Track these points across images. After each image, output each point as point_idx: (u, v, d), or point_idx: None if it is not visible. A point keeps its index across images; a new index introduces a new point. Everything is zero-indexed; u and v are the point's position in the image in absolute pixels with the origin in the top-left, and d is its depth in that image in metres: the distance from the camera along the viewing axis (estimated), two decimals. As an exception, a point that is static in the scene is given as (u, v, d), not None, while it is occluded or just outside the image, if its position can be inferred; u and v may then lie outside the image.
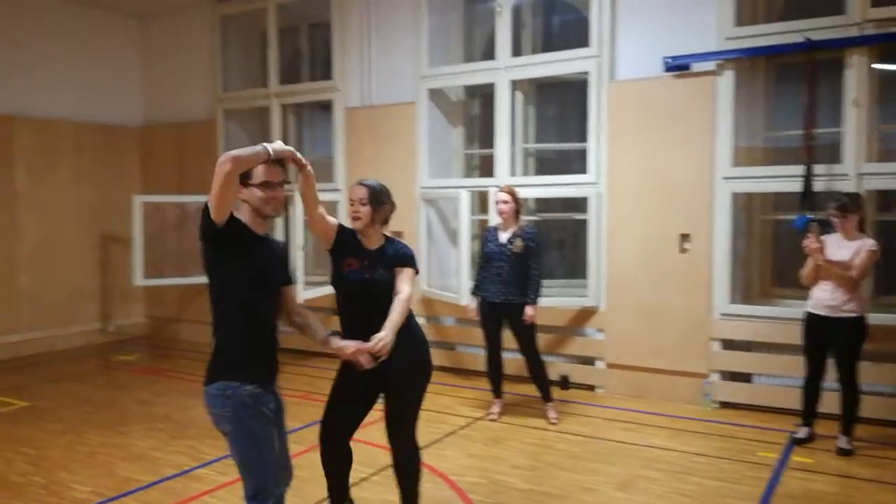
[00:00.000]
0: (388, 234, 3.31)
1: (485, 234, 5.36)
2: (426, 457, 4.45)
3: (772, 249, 5.86)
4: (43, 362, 7.46)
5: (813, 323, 4.57)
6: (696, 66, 5.57)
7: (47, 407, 5.74)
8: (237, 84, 8.25)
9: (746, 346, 5.48)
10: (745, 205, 5.70)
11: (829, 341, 4.52)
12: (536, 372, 5.18)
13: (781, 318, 5.24)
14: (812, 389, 4.65)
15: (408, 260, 3.21)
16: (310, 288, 6.99)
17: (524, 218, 5.39)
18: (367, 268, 3.11)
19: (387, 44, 7.11)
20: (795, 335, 4.73)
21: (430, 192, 6.77)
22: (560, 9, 6.87)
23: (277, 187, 2.69)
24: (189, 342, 8.36)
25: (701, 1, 5.56)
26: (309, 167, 2.90)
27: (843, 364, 4.46)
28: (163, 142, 8.73)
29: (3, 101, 7.59)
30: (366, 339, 2.91)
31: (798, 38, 5.07)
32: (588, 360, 6.08)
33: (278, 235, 6.84)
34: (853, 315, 4.41)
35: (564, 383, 6.04)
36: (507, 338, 5.27)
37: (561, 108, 7.04)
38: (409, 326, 3.14)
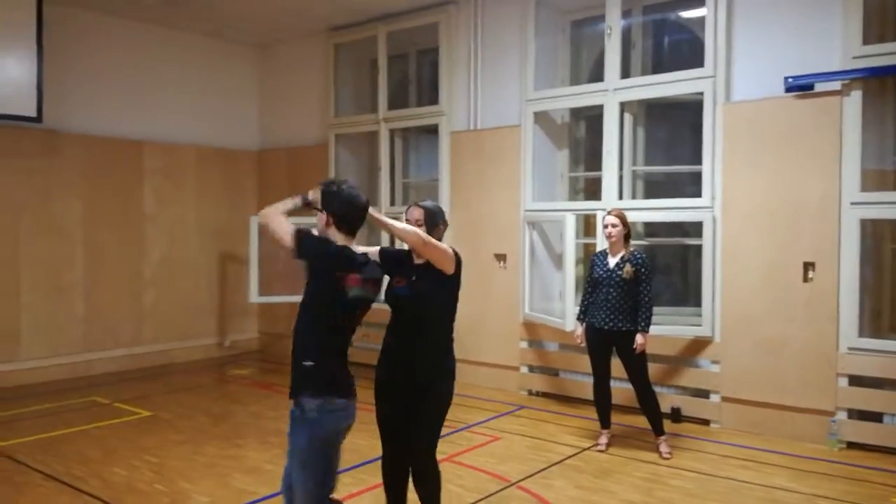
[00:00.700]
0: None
1: (592, 259, 5.26)
2: (531, 485, 4.41)
3: (905, 280, 5.45)
4: (164, 374, 7.91)
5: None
6: (820, 86, 5.29)
7: (168, 417, 6.06)
8: (347, 109, 8.54)
9: (877, 382, 5.10)
10: (874, 232, 5.33)
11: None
12: (647, 403, 5.01)
13: (918, 355, 4.84)
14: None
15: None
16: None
17: (633, 242, 5.26)
18: (413, 283, 3.27)
19: (493, 68, 7.17)
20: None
21: (534, 214, 6.73)
22: (672, 29, 6.72)
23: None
24: (297, 358, 8.61)
25: (824, 19, 5.30)
26: None
27: None
28: (277, 165, 9.14)
29: (134, 127, 8.18)
30: (410, 352, 3.24)
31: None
32: (702, 393, 5.82)
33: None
34: None
35: (676, 416, 5.80)
36: (615, 366, 5.14)
37: (672, 130, 6.86)
38: (450, 355, 3.37)
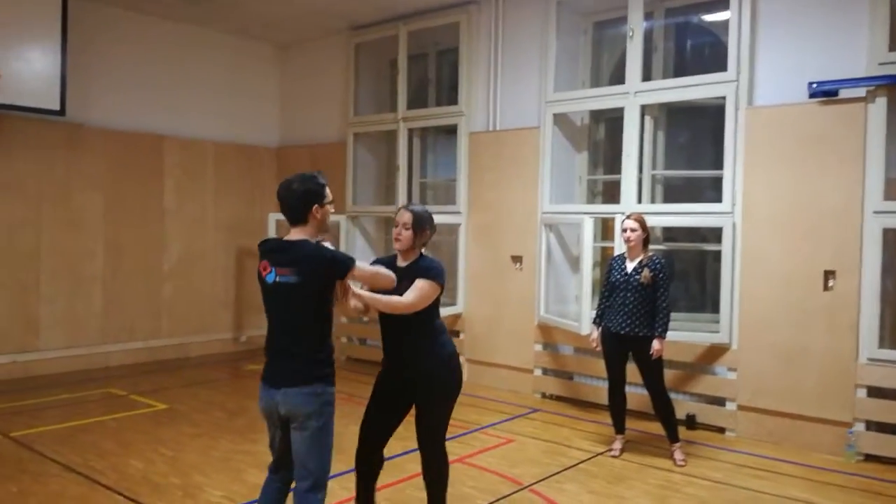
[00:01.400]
0: (423, 252, 3.50)
1: (610, 263, 5.23)
2: (544, 488, 4.40)
3: (929, 290, 5.36)
4: (180, 367, 7.97)
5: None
6: (844, 93, 5.23)
7: (183, 410, 6.11)
8: (366, 108, 8.56)
9: (897, 394, 5.04)
10: (898, 241, 5.27)
11: None
12: (663, 409, 4.97)
13: (941, 367, 4.77)
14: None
15: (427, 272, 3.32)
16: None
17: (652, 247, 5.23)
18: (399, 286, 3.25)
19: (513, 69, 7.15)
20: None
21: (552, 217, 6.71)
22: (694, 32, 6.67)
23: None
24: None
25: (850, 25, 5.23)
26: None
27: None
28: (296, 162, 9.15)
29: (156, 122, 8.25)
30: (399, 354, 3.37)
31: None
32: (717, 401, 5.77)
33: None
34: None
35: (691, 423, 5.76)
36: (630, 371, 5.11)
37: (692, 134, 6.80)
38: (438, 341, 3.39)
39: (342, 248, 8.27)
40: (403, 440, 5.21)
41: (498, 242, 7.13)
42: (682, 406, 5.75)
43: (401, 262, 3.43)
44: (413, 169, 8.18)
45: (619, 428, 5.17)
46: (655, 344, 4.84)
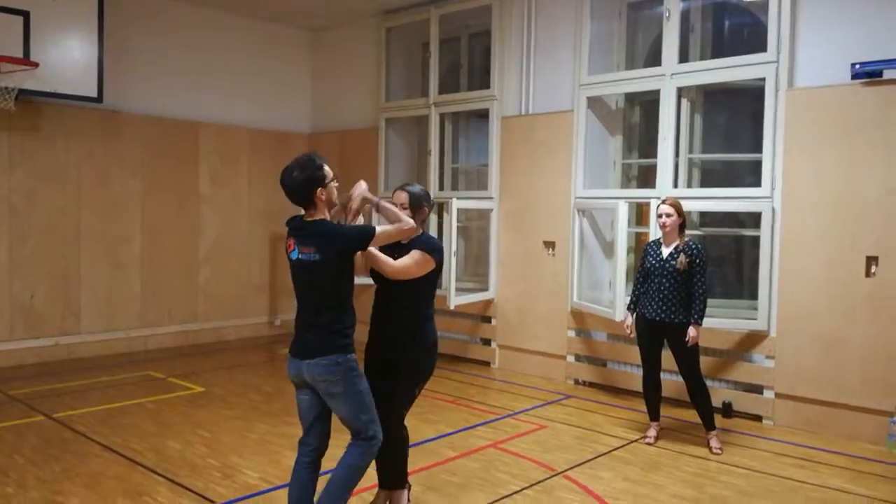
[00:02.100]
0: (422, 230, 3.58)
1: (645, 248, 5.16)
2: (578, 475, 4.38)
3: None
4: (216, 350, 8.10)
5: None
6: (889, 73, 5.06)
7: (220, 393, 6.21)
8: (398, 93, 8.54)
9: (942, 384, 4.90)
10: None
11: None
12: (698, 397, 4.91)
13: None
14: None
15: (424, 245, 3.45)
16: (460, 294, 7.10)
17: (688, 232, 5.14)
18: (395, 258, 3.40)
19: (546, 52, 7.07)
20: None
21: (585, 202, 6.64)
22: (732, 12, 6.51)
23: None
24: (344, 340, 8.74)
25: (893, 4, 5.05)
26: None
27: None
28: (329, 148, 9.17)
29: (191, 108, 8.34)
30: (384, 332, 3.50)
31: None
32: (755, 389, 5.68)
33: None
34: None
35: (727, 411, 5.68)
36: (666, 358, 5.05)
37: (730, 117, 6.66)
38: (424, 327, 3.50)
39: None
40: (435, 424, 5.26)
41: (530, 228, 7.09)
42: (719, 394, 5.68)
43: (403, 240, 3.50)
44: (445, 154, 8.15)
45: (654, 415, 5.12)
46: (691, 331, 4.77)
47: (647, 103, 6.73)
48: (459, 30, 8.18)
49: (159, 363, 7.37)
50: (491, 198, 7.39)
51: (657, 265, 4.93)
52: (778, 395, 5.53)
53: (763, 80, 5.61)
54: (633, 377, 6.11)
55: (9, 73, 6.44)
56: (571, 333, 6.78)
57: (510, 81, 7.34)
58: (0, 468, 4.35)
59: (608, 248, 6.67)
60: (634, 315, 5.11)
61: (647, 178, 6.84)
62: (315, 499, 3.25)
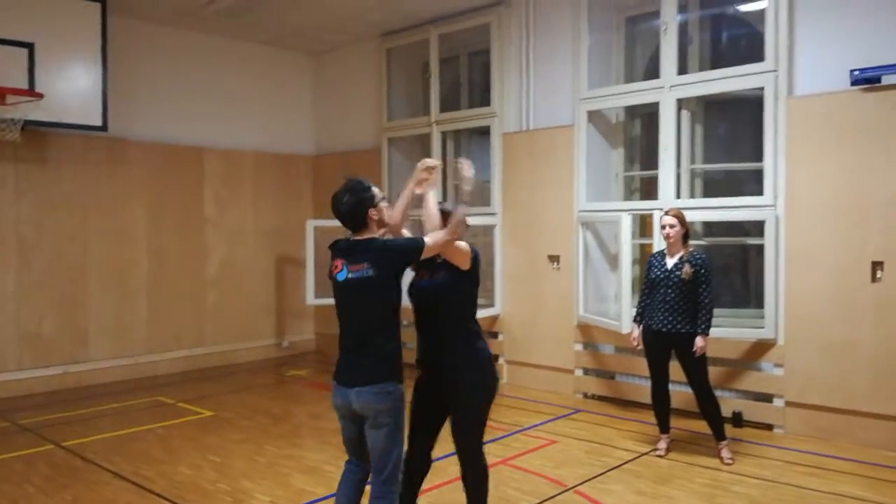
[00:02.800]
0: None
1: (649, 260, 5.16)
2: (589, 490, 4.36)
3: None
4: (224, 374, 8.11)
5: None
6: (887, 79, 5.07)
7: (229, 417, 6.21)
8: (400, 113, 8.60)
9: (954, 388, 4.87)
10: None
11: None
12: (708, 407, 4.89)
13: None
14: None
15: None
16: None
17: (692, 242, 5.15)
18: (432, 275, 3.34)
19: (545, 67, 7.12)
20: None
21: (589, 215, 6.65)
22: (730, 23, 6.55)
23: None
24: (352, 360, 8.74)
25: (891, 9, 5.08)
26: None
27: None
28: (332, 169, 9.26)
29: (195, 134, 8.42)
30: (434, 357, 3.31)
31: None
32: (764, 397, 5.65)
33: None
34: None
35: (737, 421, 5.65)
36: (674, 369, 5.03)
37: (731, 126, 6.68)
38: (473, 346, 3.35)
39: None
40: (444, 442, 5.24)
41: (534, 242, 7.10)
42: (728, 403, 5.64)
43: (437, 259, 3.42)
44: (447, 171, 8.18)
45: (664, 427, 5.09)
46: (699, 341, 4.76)
47: (648, 115, 6.77)
48: (459, 49, 8.26)
49: (168, 388, 7.38)
50: (494, 213, 7.42)
51: (662, 276, 4.93)
52: (788, 404, 5.50)
53: (762, 89, 5.63)
54: (642, 389, 6.08)
55: (14, 105, 6.52)
56: (579, 347, 6.77)
57: (510, 98, 7.39)
58: (11, 498, 4.35)
59: (613, 261, 6.67)
60: (641, 327, 5.10)
61: (649, 189, 6.85)
62: None
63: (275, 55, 9.20)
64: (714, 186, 6.54)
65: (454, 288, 3.33)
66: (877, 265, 5.09)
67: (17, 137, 6.61)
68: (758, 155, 5.79)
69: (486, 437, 3.47)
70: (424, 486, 4.10)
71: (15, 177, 7.10)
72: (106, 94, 7.24)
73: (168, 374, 8.03)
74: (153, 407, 6.64)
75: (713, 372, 5.25)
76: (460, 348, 3.32)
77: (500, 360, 7.40)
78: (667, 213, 5.01)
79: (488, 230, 7.56)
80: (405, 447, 3.18)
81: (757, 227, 5.89)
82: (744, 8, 6.40)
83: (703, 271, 4.82)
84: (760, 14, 5.78)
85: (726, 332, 5.65)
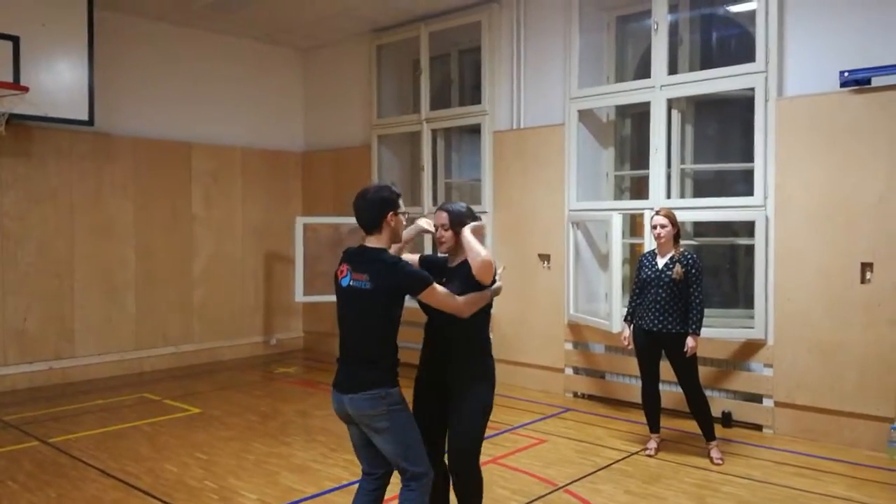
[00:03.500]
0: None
1: (640, 260, 5.16)
2: (579, 489, 4.35)
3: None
4: (212, 371, 8.04)
5: None
6: (877, 81, 5.10)
7: (216, 414, 6.16)
8: (390, 110, 8.57)
9: (941, 389, 4.90)
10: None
11: None
12: (698, 407, 4.90)
13: None
14: None
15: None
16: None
17: (683, 242, 5.15)
18: (444, 285, 3.13)
19: (536, 66, 7.11)
20: None
21: (579, 214, 6.65)
22: (720, 23, 6.57)
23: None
24: (340, 357, 8.70)
25: (881, 10, 5.11)
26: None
27: None
28: (321, 166, 9.22)
29: (183, 130, 8.35)
30: (446, 354, 3.22)
31: None
32: (754, 398, 5.67)
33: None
34: None
35: (727, 421, 5.67)
36: (664, 369, 5.04)
37: (721, 127, 6.70)
38: (485, 363, 3.29)
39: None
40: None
41: (525, 241, 7.09)
42: (718, 403, 5.66)
43: (451, 263, 3.35)
44: (438, 169, 8.16)
45: (654, 427, 5.10)
46: (689, 341, 4.76)
47: (638, 115, 6.77)
48: (449, 46, 8.23)
49: (155, 385, 7.31)
50: (485, 212, 7.40)
51: (653, 276, 4.93)
52: (777, 404, 5.52)
53: (752, 89, 5.65)
54: (632, 389, 6.09)
55: (-1, 98, 6.45)
56: (569, 346, 6.77)
57: (501, 96, 7.37)
58: (-6, 496, 4.30)
59: (603, 260, 6.68)
60: (632, 326, 5.10)
61: (639, 189, 6.86)
62: None
63: (265, 51, 9.14)
64: (704, 186, 6.55)
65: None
66: (866, 266, 5.12)
67: (2, 131, 6.54)
68: (748, 155, 5.80)
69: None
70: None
71: (0, 170, 7.01)
72: (92, 88, 7.17)
73: (155, 371, 7.96)
74: (140, 404, 6.58)
75: (703, 372, 5.26)
76: (470, 357, 3.24)
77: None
78: (657, 213, 5.01)
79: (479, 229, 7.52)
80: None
81: (747, 228, 5.91)
82: (734, 8, 6.41)
83: (693, 271, 4.82)
84: (751, 15, 5.79)
85: (716, 332, 5.66)
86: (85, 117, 7.15)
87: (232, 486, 4.46)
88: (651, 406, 5.07)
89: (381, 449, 3.03)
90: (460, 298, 3.08)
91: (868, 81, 5.13)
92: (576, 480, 4.53)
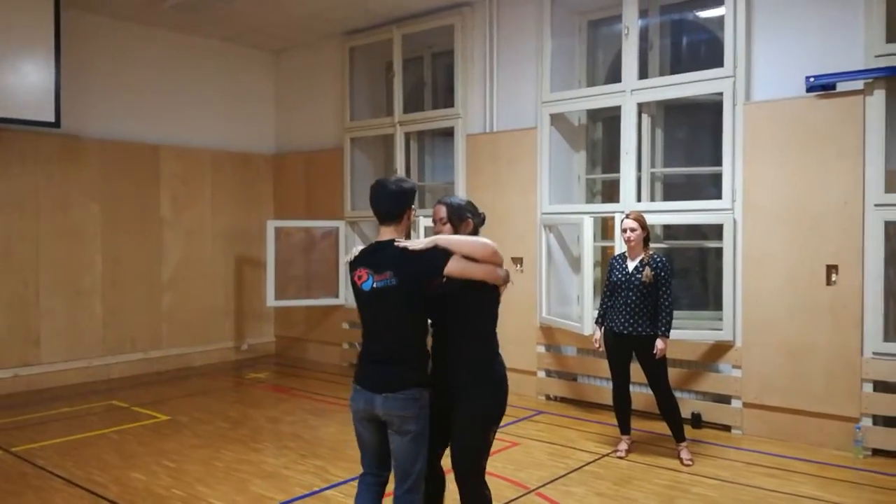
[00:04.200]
0: None
1: (611, 263, 5.20)
2: (551, 492, 4.36)
3: (932, 282, 5.34)
4: (181, 377, 7.93)
5: None
6: (842, 86, 5.20)
7: (185, 421, 6.07)
8: (363, 113, 8.53)
9: (903, 388, 5.00)
10: (900, 234, 5.24)
11: None
12: (668, 409, 4.94)
13: (947, 360, 4.74)
14: None
15: None
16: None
17: (653, 245, 5.19)
18: (444, 284, 3.02)
19: (509, 70, 7.13)
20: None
21: (551, 217, 6.68)
22: (690, 29, 6.65)
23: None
24: (315, 362, 8.66)
25: (846, 17, 5.21)
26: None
27: None
28: (293, 169, 9.15)
29: (151, 132, 8.23)
30: (445, 352, 3.06)
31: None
32: (723, 399, 5.73)
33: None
34: None
35: (697, 422, 5.73)
36: (635, 371, 5.07)
37: (690, 131, 6.78)
38: (489, 362, 3.12)
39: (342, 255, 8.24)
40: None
41: (498, 244, 7.02)
42: (688, 405, 5.72)
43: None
44: (411, 172, 8.15)
45: (625, 428, 5.13)
46: (659, 343, 4.81)
47: (609, 119, 6.82)
48: (422, 49, 8.22)
49: (123, 392, 7.19)
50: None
51: (623, 279, 4.97)
52: (745, 405, 5.59)
53: (721, 94, 5.72)
54: (604, 391, 6.13)
55: (-39, 99, 6.30)
56: (541, 349, 6.79)
57: (474, 99, 7.38)
58: (-46, 507, 4.19)
59: (575, 263, 6.71)
60: (602, 329, 5.13)
61: (611, 192, 6.91)
62: None
63: (235, 52, 9.05)
64: (674, 190, 6.62)
65: (468, 296, 3.03)
66: (831, 269, 5.21)
67: (-36, 133, 6.39)
68: (716, 159, 5.87)
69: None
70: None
71: (-38, 173, 6.87)
72: (59, 89, 7.03)
73: (123, 378, 7.82)
74: (107, 411, 6.46)
75: (672, 373, 5.31)
76: (471, 357, 3.08)
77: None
78: (627, 217, 5.05)
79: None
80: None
81: (715, 231, 5.99)
82: (703, 14, 6.49)
83: (663, 274, 4.87)
84: (720, 20, 5.87)
85: (686, 334, 5.72)
86: (51, 119, 7.01)
87: (200, 493, 4.40)
88: (622, 408, 5.10)
89: (394, 452, 2.97)
90: (477, 259, 2.97)
91: (833, 87, 5.23)
92: (548, 483, 4.54)
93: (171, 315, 8.34)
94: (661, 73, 6.43)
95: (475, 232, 3.26)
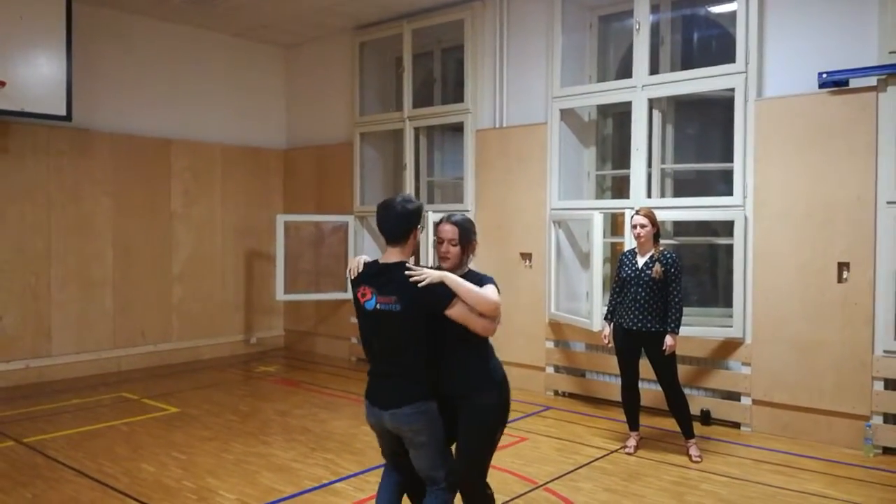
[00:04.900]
0: (471, 266, 3.21)
1: (620, 258, 5.19)
2: (559, 487, 4.37)
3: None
4: (191, 370, 7.97)
5: None
6: (855, 82, 5.16)
7: (195, 414, 6.10)
8: (372, 108, 8.53)
9: (915, 387, 4.98)
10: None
11: None
12: (677, 405, 4.93)
13: (959, 359, 4.71)
14: None
15: (485, 280, 3.07)
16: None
17: (663, 241, 5.18)
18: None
19: (519, 65, 7.11)
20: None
21: (561, 213, 6.67)
22: (701, 24, 6.61)
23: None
24: (324, 356, 8.69)
25: (859, 12, 5.17)
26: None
27: None
28: (303, 163, 9.17)
29: (163, 126, 8.26)
30: (452, 372, 3.03)
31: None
32: (732, 396, 5.72)
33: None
34: None
35: (706, 419, 5.71)
36: (644, 367, 5.07)
37: (702, 127, 6.75)
38: (487, 366, 3.10)
39: (351, 251, 8.26)
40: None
41: (507, 240, 7.09)
42: (697, 401, 5.71)
43: (444, 266, 3.14)
44: (420, 167, 8.15)
45: (634, 425, 5.13)
46: (668, 339, 4.79)
47: (620, 115, 6.80)
48: (432, 44, 8.21)
49: (133, 384, 7.23)
50: (467, 210, 7.39)
51: (633, 275, 4.95)
52: (755, 402, 5.57)
53: (732, 90, 5.69)
54: (612, 387, 6.12)
55: (-26, 92, 6.34)
56: (550, 344, 6.79)
57: (484, 95, 7.37)
58: (-33, 497, 4.23)
59: (584, 259, 6.70)
60: (612, 325, 5.12)
61: (620, 188, 6.89)
62: None
63: (247, 47, 9.06)
64: (684, 186, 6.59)
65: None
66: (843, 266, 5.18)
67: (-23, 126, 6.43)
68: (727, 155, 5.85)
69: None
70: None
71: (-25, 166, 6.91)
72: (70, 82, 7.06)
73: (133, 370, 7.87)
74: (117, 403, 6.50)
75: (682, 370, 5.30)
76: (477, 368, 3.06)
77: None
78: (637, 213, 5.04)
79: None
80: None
81: (726, 227, 5.96)
82: (715, 9, 6.46)
83: (673, 270, 4.85)
84: (731, 16, 5.84)
85: (695, 330, 5.70)
86: (63, 112, 7.04)
87: (210, 485, 4.42)
88: (631, 404, 5.10)
89: (414, 462, 3.04)
90: (479, 312, 2.92)
91: (846, 83, 5.19)
92: (556, 478, 4.54)
93: (181, 308, 8.38)
94: (673, 69, 6.41)
95: (474, 252, 3.20)
